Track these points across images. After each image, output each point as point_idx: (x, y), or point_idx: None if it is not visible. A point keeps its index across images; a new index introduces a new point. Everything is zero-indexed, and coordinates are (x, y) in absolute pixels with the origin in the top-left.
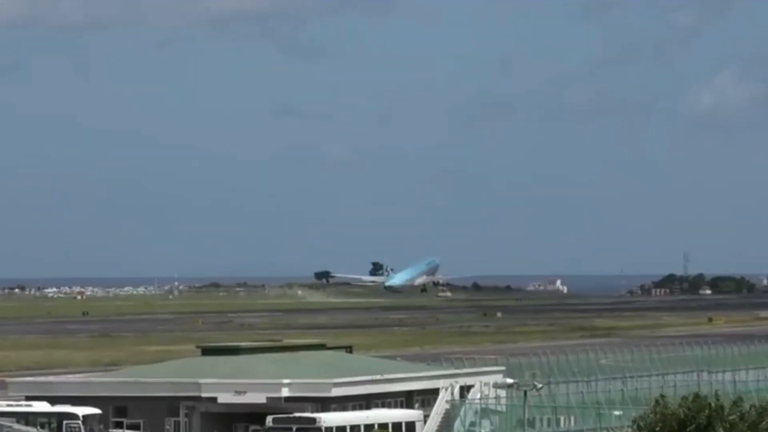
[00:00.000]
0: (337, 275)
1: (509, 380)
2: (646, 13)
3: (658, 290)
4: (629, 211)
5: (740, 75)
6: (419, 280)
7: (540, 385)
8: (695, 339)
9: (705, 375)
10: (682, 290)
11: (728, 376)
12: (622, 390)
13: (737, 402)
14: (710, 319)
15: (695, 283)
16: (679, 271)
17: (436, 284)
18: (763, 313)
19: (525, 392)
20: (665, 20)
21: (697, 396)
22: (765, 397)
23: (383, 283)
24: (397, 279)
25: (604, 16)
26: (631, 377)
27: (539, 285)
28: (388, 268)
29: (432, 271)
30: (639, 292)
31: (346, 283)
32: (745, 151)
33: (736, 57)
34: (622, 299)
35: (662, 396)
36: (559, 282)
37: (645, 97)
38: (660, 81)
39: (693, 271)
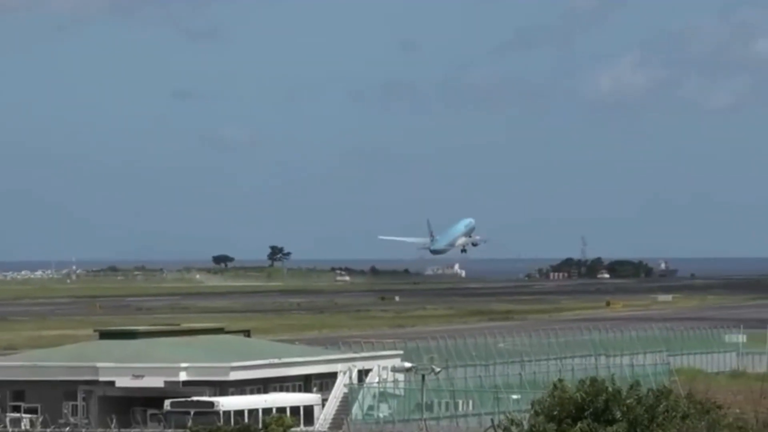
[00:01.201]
0: (388, 238)
1: (407, 364)
2: None
3: (556, 274)
4: (528, 195)
5: (641, 59)
6: (459, 242)
7: (438, 369)
8: (593, 323)
9: (603, 359)
10: (580, 274)
11: (626, 359)
12: (520, 374)
13: (634, 386)
14: (608, 303)
15: (593, 267)
16: (577, 255)
17: (474, 244)
18: (661, 297)
19: (423, 376)
20: (567, 4)
21: (594, 380)
22: (662, 381)
23: (429, 246)
24: (441, 242)
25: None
26: (529, 361)
27: (437, 269)
28: (432, 233)
29: (469, 232)
30: (537, 276)
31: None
32: (644, 136)
33: (637, 41)
34: (520, 283)
35: (560, 380)
36: (457, 266)
37: (546, 80)
38: (561, 64)
39: (591, 255)
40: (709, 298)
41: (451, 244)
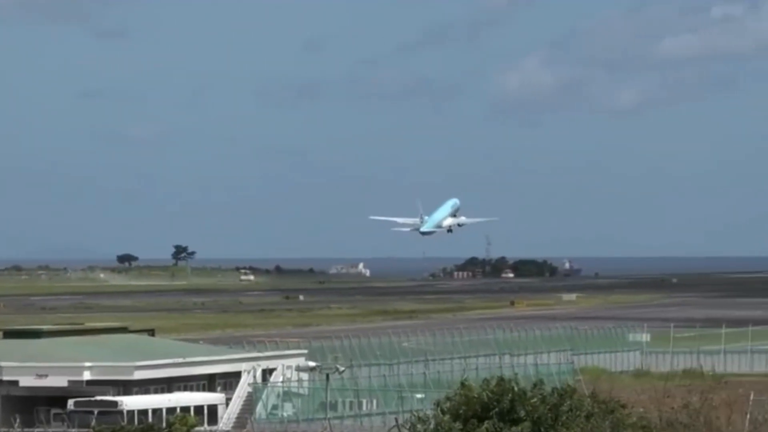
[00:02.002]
0: (379, 218)
1: (311, 363)
2: None
3: (460, 273)
4: (435, 193)
5: (547, 58)
6: (445, 223)
7: (342, 368)
8: (497, 322)
9: (507, 358)
10: (485, 273)
11: (530, 359)
12: (424, 373)
13: (539, 385)
14: (512, 303)
15: (497, 266)
16: (481, 254)
17: (459, 225)
18: (565, 296)
19: (327, 375)
20: (476, 2)
21: (500, 379)
22: (566, 380)
23: (419, 227)
24: (430, 224)
25: None
26: (434, 360)
27: (342, 268)
28: (422, 215)
29: (455, 212)
30: (441, 275)
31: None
32: (550, 134)
33: (545, 40)
34: (425, 282)
35: (466, 379)
36: (361, 265)
37: (453, 78)
38: (468, 63)
39: (495, 254)
40: (613, 297)
41: (439, 225)
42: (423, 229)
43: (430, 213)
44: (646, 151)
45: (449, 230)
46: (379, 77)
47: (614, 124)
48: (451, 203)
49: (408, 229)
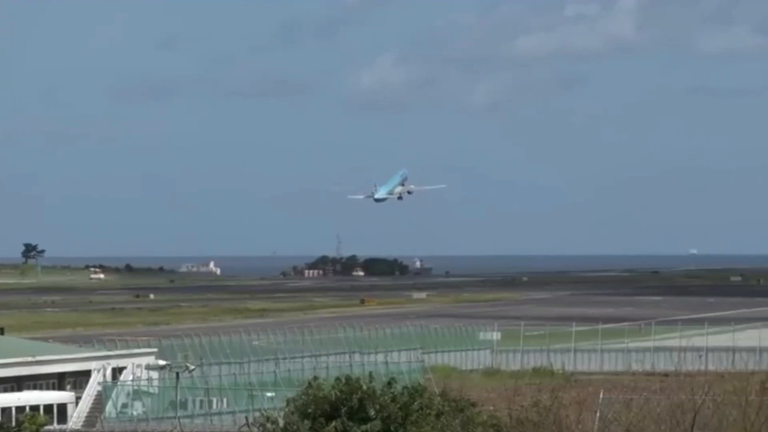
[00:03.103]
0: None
1: (161, 362)
2: None
3: (311, 272)
4: (283, 192)
5: (402, 57)
6: (396, 190)
7: (192, 367)
8: (348, 321)
9: (357, 356)
10: (335, 272)
11: (380, 357)
12: (274, 371)
13: (389, 383)
14: (363, 301)
15: (348, 264)
16: (332, 253)
17: (409, 192)
18: (416, 295)
19: (177, 374)
20: (331, 1)
21: (349, 378)
22: (416, 379)
23: (372, 197)
24: (383, 192)
25: None
26: (284, 359)
27: (192, 266)
28: (375, 184)
29: (403, 181)
30: (292, 273)
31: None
32: (405, 131)
33: (400, 38)
34: (276, 281)
35: (315, 378)
36: (212, 263)
37: (309, 77)
38: (324, 62)
39: (346, 252)
40: (464, 295)
41: (391, 193)
42: (377, 196)
43: (382, 183)
44: (501, 149)
45: (399, 197)
46: (234, 76)
47: (469, 121)
48: (401, 173)
49: (362, 197)
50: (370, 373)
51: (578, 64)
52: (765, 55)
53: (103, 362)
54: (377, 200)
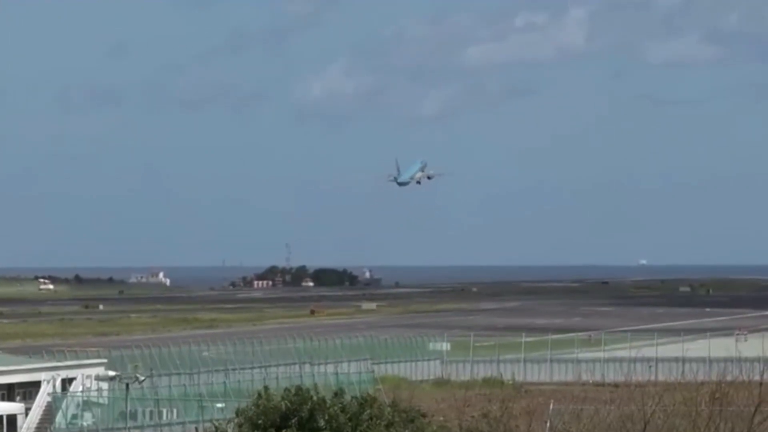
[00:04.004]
0: None
1: (111, 372)
2: (259, 2)
3: (260, 282)
4: (232, 202)
5: (350, 66)
6: (417, 176)
7: (142, 378)
8: (298, 331)
9: (307, 367)
10: (285, 282)
11: (330, 368)
12: (224, 382)
13: (338, 394)
14: (312, 312)
15: (298, 275)
16: (281, 263)
17: (429, 177)
18: (365, 305)
19: (127, 385)
20: (278, 10)
21: (299, 388)
22: (366, 389)
23: (395, 180)
24: (405, 176)
25: (216, 4)
26: (234, 369)
27: (142, 277)
28: (399, 168)
29: (423, 168)
30: (241, 284)
31: None
32: (353, 141)
33: (347, 48)
34: (225, 291)
35: (265, 388)
36: (162, 274)
37: (256, 86)
38: (271, 70)
39: (295, 263)
40: (414, 306)
41: (412, 178)
42: (400, 179)
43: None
44: (449, 159)
45: (418, 182)
46: (181, 83)
47: (417, 131)
48: (420, 161)
49: (385, 179)
50: (317, 384)
51: (528, 73)
52: (713, 65)
53: (53, 373)
54: (401, 184)
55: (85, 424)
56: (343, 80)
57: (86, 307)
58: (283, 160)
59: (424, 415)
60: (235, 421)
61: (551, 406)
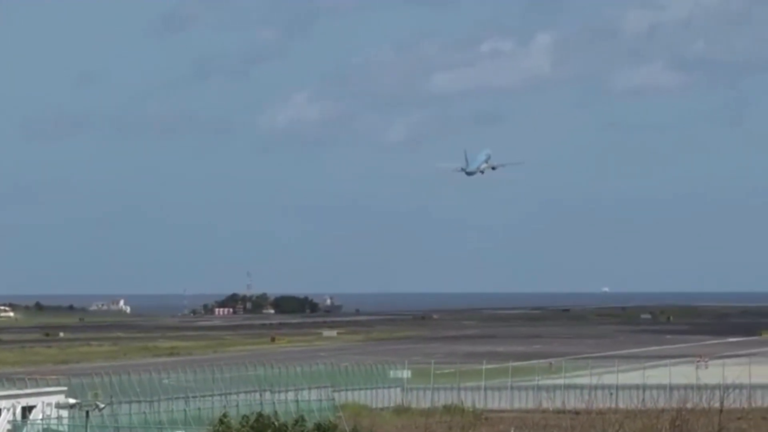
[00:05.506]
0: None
1: (71, 400)
2: (226, 30)
3: (221, 310)
4: (197, 228)
5: (318, 93)
6: (482, 166)
7: (102, 405)
8: (258, 358)
9: (268, 394)
10: (246, 310)
11: (291, 395)
12: (185, 410)
13: (299, 421)
14: (273, 339)
15: (258, 302)
16: (242, 291)
17: (493, 168)
18: (326, 333)
19: (87, 412)
20: (246, 38)
21: (260, 416)
22: (327, 416)
23: (465, 169)
24: (473, 165)
25: (183, 32)
26: (194, 397)
27: (102, 305)
28: (467, 159)
29: (487, 159)
30: (202, 311)
31: None
32: (320, 169)
33: (315, 75)
34: (186, 319)
35: (225, 415)
36: (122, 302)
37: (222, 113)
38: (238, 98)
39: (256, 290)
40: (374, 333)
41: (478, 168)
42: (468, 169)
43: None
44: (415, 187)
45: (481, 172)
46: (148, 112)
47: (384, 158)
48: (485, 152)
49: (453, 168)
50: (276, 412)
51: (494, 100)
52: (678, 91)
53: (13, 401)
54: (468, 173)
55: None
56: (310, 108)
57: (47, 334)
58: (246, 187)
59: None
60: None
61: None
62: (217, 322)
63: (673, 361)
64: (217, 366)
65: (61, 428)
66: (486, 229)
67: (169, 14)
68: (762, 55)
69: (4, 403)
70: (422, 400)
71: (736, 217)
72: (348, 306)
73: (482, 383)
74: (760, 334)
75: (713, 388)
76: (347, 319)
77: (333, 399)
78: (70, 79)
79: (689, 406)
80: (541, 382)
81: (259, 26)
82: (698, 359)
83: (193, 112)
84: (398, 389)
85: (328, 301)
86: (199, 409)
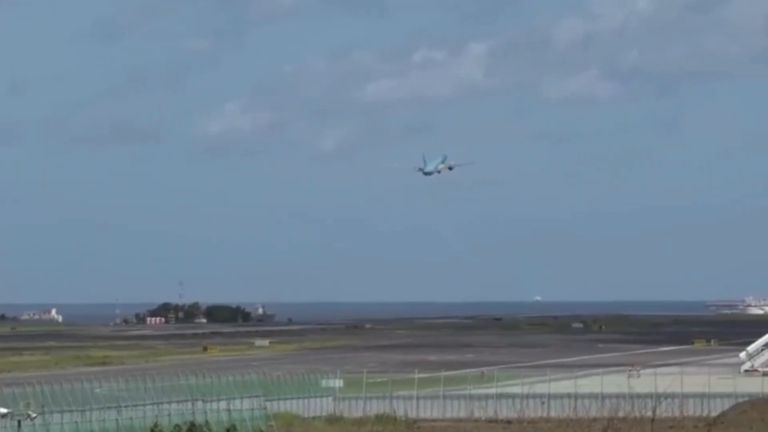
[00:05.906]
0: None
1: (3, 410)
2: (159, 39)
3: (153, 319)
4: (127, 238)
5: (251, 102)
6: (440, 167)
7: (34, 415)
8: (190, 368)
9: (200, 404)
10: (178, 319)
11: (223, 404)
12: (117, 419)
13: (231, 430)
14: (205, 348)
15: (190, 311)
16: (174, 300)
17: (450, 168)
18: (258, 342)
19: (19, 422)
20: (179, 47)
21: (192, 425)
22: (259, 426)
23: (422, 170)
24: (431, 167)
25: (116, 41)
26: (126, 406)
27: (34, 314)
28: (423, 159)
29: (444, 160)
30: (134, 320)
31: None
32: (253, 178)
33: (247, 85)
34: (117, 328)
35: (156, 425)
36: (54, 311)
37: (155, 123)
38: (171, 107)
39: (188, 299)
40: (307, 342)
41: (435, 168)
42: (426, 170)
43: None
44: (347, 197)
45: (438, 171)
46: (80, 121)
47: (316, 168)
48: (442, 154)
49: (412, 168)
50: (207, 422)
51: (427, 109)
52: (612, 101)
53: None
54: (426, 173)
55: None
56: (243, 117)
57: None
58: (179, 196)
59: None
60: None
61: None
62: (149, 332)
63: (605, 370)
64: (149, 375)
65: None
66: (418, 239)
67: (102, 23)
68: (696, 64)
69: None
70: (354, 409)
71: (668, 227)
72: (281, 315)
73: (415, 392)
74: (693, 344)
75: (645, 397)
76: (279, 328)
77: (265, 408)
78: (3, 89)
79: (621, 415)
80: (473, 392)
81: (192, 36)
82: (630, 368)
83: (126, 122)
84: (330, 398)
85: (260, 311)
86: (131, 418)
